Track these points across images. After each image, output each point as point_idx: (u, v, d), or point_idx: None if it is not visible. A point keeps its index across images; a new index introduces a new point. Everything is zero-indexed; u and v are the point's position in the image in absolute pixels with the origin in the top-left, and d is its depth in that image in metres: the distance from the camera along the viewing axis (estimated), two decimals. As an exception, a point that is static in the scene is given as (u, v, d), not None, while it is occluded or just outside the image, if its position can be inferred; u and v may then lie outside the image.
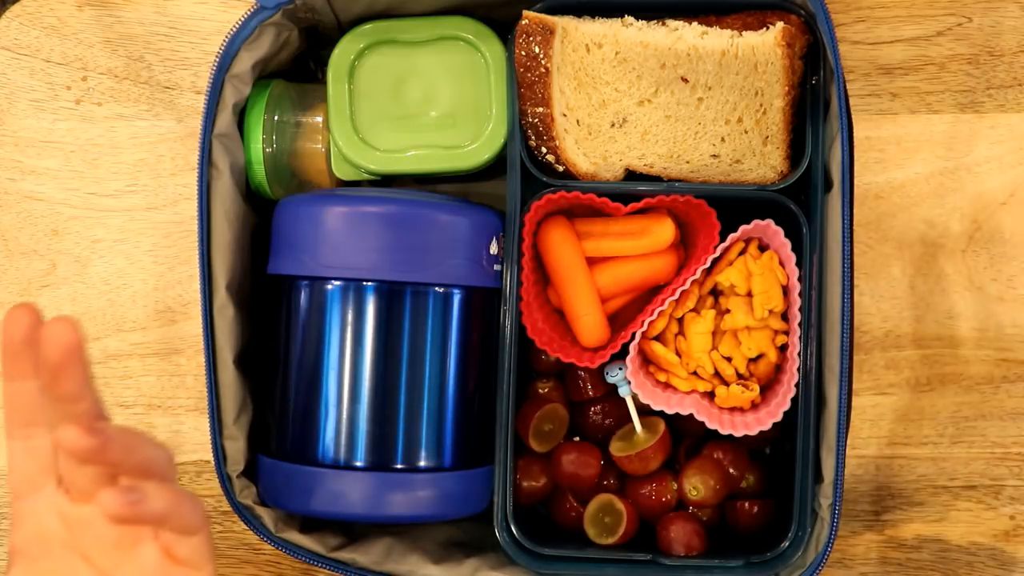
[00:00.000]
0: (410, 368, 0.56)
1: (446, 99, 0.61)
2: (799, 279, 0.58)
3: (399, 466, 0.56)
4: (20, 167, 0.68)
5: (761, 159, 0.59)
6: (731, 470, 0.61)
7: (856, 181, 0.59)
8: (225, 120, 0.58)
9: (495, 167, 0.62)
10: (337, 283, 0.56)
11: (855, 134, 0.58)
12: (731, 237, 0.59)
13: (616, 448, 0.61)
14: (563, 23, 0.57)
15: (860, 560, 0.66)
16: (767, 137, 0.58)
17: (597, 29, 0.57)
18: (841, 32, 0.66)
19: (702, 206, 0.59)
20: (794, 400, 0.58)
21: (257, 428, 0.60)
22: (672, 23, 0.57)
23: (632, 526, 0.60)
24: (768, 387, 0.60)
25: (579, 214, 0.62)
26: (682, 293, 0.59)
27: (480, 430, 0.59)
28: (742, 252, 0.60)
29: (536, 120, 0.58)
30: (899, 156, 0.66)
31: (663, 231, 0.60)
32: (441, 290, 0.57)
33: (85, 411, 0.41)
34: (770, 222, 0.58)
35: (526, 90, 0.58)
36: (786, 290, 0.59)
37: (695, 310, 0.59)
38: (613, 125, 0.59)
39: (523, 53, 0.57)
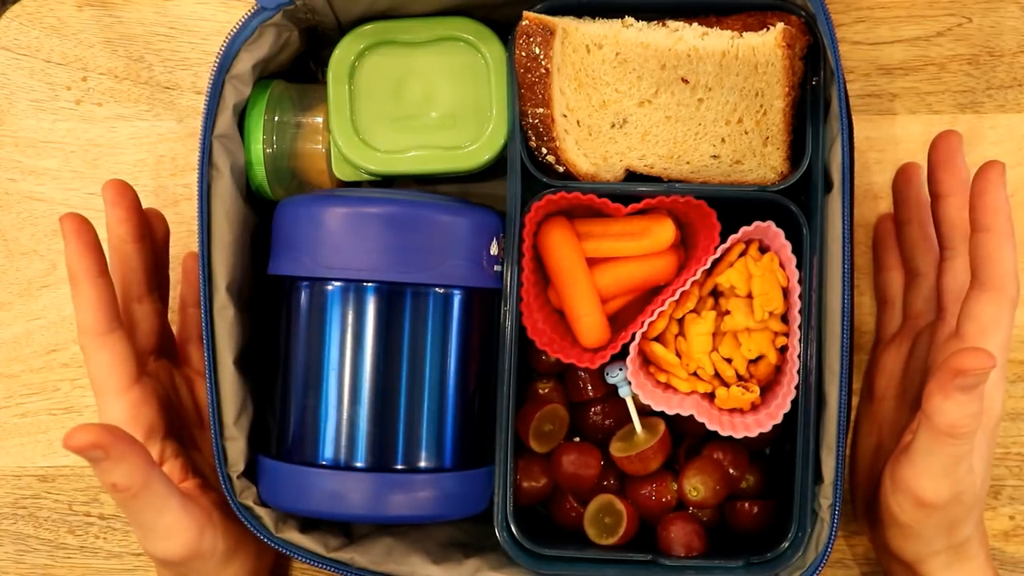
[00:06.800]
0: (410, 369, 0.56)
1: (446, 100, 0.61)
2: (799, 281, 0.58)
3: (399, 467, 0.56)
4: (20, 167, 0.68)
5: (761, 160, 0.59)
6: (731, 471, 0.61)
7: (856, 181, 0.59)
8: (225, 121, 0.58)
9: (495, 168, 0.62)
10: (337, 284, 0.56)
11: (855, 134, 0.58)
12: (731, 238, 0.59)
13: (616, 448, 0.61)
14: (563, 24, 0.57)
15: (860, 560, 0.66)
16: (767, 138, 0.58)
17: (597, 30, 0.57)
18: (841, 32, 0.66)
19: (702, 207, 0.59)
20: (794, 401, 0.58)
21: (257, 429, 0.60)
22: (672, 24, 0.57)
23: (632, 526, 0.60)
24: (768, 388, 0.60)
25: (579, 215, 0.62)
26: (682, 294, 0.59)
27: (480, 430, 0.59)
28: (742, 253, 0.60)
29: (536, 121, 0.58)
30: (899, 156, 0.66)
31: (663, 232, 0.60)
32: (441, 291, 0.57)
33: None
34: (771, 223, 0.58)
35: (526, 91, 0.58)
36: (786, 292, 0.59)
37: (695, 311, 0.59)
38: (613, 126, 0.59)
39: (523, 54, 0.57)
